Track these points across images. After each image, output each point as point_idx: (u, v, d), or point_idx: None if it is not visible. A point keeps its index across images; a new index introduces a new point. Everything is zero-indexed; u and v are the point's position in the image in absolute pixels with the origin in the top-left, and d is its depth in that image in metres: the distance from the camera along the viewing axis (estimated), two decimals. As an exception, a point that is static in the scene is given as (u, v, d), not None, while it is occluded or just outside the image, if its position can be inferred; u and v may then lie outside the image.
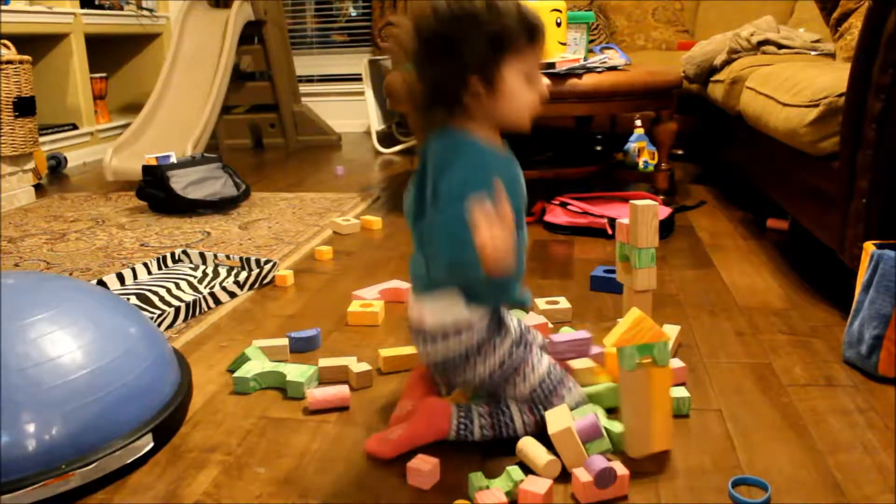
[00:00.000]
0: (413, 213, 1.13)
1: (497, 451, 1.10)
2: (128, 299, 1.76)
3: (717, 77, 2.68)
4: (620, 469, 1.00)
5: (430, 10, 1.04)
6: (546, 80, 1.10)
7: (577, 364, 1.26)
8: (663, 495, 1.01)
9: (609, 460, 1.01)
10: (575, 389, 1.15)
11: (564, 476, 1.03)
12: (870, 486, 1.01)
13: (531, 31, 1.05)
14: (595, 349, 1.32)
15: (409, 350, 1.39)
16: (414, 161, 3.58)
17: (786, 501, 0.99)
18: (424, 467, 1.03)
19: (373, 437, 1.13)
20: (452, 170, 1.03)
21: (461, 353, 1.10)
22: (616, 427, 1.11)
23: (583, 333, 1.33)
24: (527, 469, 1.05)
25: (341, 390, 1.26)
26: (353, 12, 4.95)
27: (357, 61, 4.37)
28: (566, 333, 1.35)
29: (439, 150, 1.07)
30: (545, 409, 1.10)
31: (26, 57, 2.94)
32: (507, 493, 0.98)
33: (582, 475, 0.99)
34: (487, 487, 0.99)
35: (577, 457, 1.04)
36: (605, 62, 2.42)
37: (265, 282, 1.89)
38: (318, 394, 1.25)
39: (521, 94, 1.06)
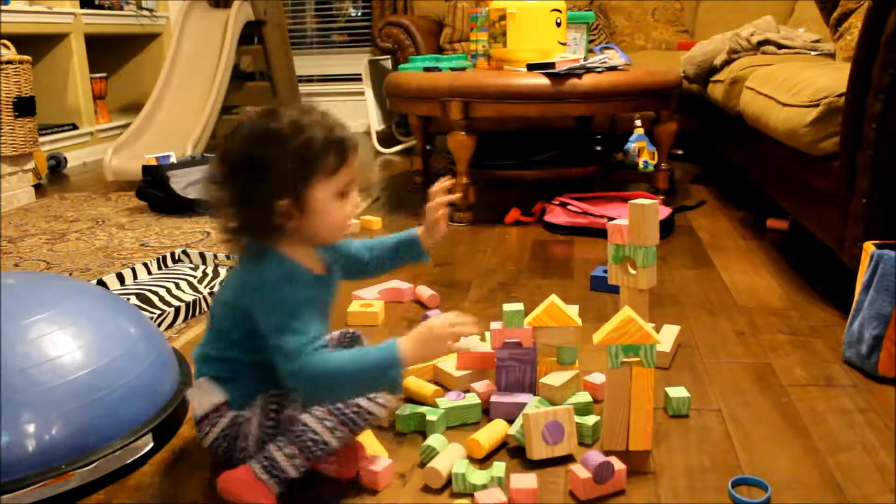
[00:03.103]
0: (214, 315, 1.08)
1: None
2: (128, 299, 1.75)
3: (717, 77, 2.68)
4: (617, 464, 1.00)
5: (236, 130, 1.00)
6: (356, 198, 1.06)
7: (547, 380, 1.21)
8: (663, 495, 1.00)
9: (605, 454, 1.01)
10: (386, 404, 1.04)
11: (554, 464, 1.04)
12: (870, 486, 1.01)
13: (340, 149, 1.00)
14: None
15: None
16: (414, 161, 3.58)
17: (786, 501, 0.99)
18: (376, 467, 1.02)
19: None
20: (262, 301, 0.98)
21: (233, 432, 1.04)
22: (589, 420, 1.12)
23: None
24: (514, 467, 1.05)
25: None
26: (353, 12, 4.96)
27: (357, 61, 4.36)
28: (509, 342, 1.24)
29: (247, 271, 1.03)
30: (354, 423, 1.01)
31: (26, 57, 2.94)
32: (484, 486, 0.98)
33: (580, 472, 0.99)
34: (485, 487, 0.99)
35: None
36: (605, 62, 2.42)
37: (265, 282, 1.89)
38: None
39: (332, 212, 1.01)
